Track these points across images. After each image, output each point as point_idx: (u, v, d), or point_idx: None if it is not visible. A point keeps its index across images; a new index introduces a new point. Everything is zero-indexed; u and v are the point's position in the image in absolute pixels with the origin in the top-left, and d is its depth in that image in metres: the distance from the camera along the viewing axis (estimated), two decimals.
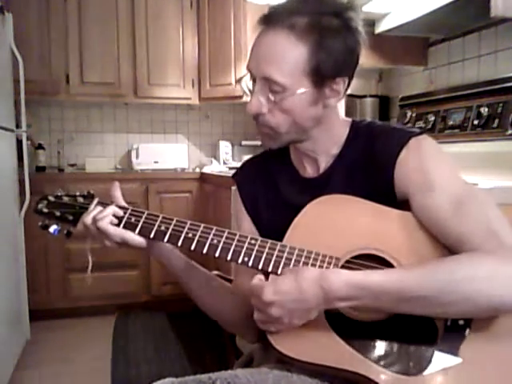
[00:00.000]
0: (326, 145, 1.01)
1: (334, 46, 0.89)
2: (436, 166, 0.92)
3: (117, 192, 1.00)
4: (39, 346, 2.81)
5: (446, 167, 0.93)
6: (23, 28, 3.15)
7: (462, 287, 0.78)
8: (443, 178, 0.90)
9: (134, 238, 0.96)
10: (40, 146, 3.46)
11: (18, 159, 2.77)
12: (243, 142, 3.87)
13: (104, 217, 0.94)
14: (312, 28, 0.89)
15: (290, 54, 0.89)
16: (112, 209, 0.96)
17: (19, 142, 2.73)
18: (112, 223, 0.95)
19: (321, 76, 0.91)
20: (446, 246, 0.87)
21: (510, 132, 1.82)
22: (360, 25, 0.93)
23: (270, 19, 0.92)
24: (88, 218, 0.96)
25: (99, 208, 0.97)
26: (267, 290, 0.81)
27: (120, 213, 0.96)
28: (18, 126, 2.73)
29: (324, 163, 1.02)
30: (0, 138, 2.43)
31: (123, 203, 0.99)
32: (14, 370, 2.43)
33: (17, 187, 2.75)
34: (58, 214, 1.01)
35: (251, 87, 0.96)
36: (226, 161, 3.81)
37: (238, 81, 0.99)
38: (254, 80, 0.95)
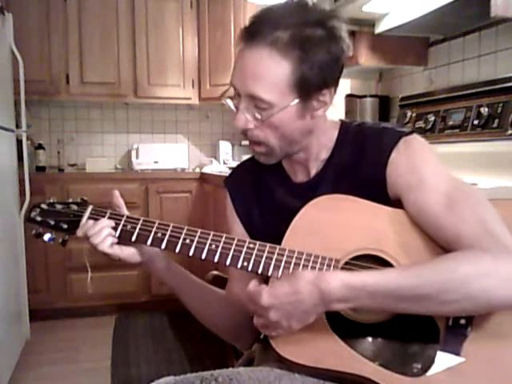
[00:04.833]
0: (316, 151, 1.00)
1: (317, 57, 0.88)
2: (426, 165, 0.92)
3: (118, 201, 1.00)
4: (39, 346, 2.81)
5: (436, 166, 0.93)
6: (23, 28, 3.16)
7: (461, 286, 0.78)
8: (434, 177, 0.90)
9: (130, 257, 0.97)
10: (40, 146, 3.46)
11: (18, 159, 2.77)
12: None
13: (101, 239, 0.94)
14: (295, 42, 0.87)
15: (275, 72, 0.88)
16: (106, 223, 0.96)
17: (19, 142, 2.73)
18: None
19: (307, 89, 0.90)
20: (441, 244, 0.87)
21: (510, 132, 1.82)
22: (344, 32, 0.91)
23: (252, 35, 0.89)
24: (81, 232, 0.95)
25: (95, 226, 0.95)
26: (264, 295, 0.81)
27: (113, 223, 0.96)
28: (17, 126, 2.73)
29: (314, 169, 1.01)
30: (0, 138, 2.43)
31: (125, 211, 0.99)
32: (14, 370, 2.43)
33: (17, 187, 2.74)
34: (52, 222, 0.99)
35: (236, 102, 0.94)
36: (226, 161, 3.81)
37: (222, 95, 0.97)
38: (238, 95, 0.93)
